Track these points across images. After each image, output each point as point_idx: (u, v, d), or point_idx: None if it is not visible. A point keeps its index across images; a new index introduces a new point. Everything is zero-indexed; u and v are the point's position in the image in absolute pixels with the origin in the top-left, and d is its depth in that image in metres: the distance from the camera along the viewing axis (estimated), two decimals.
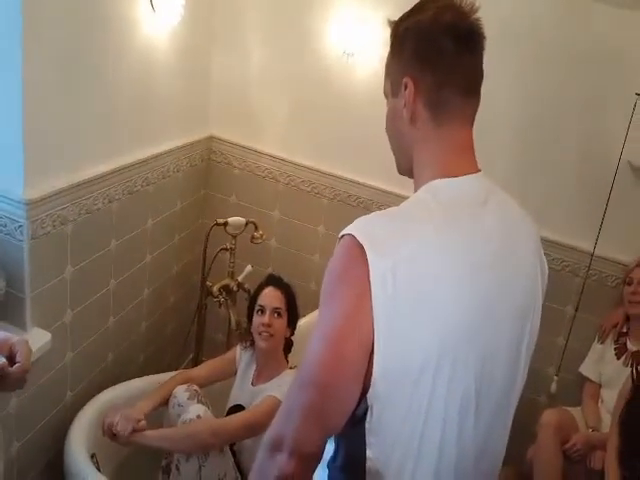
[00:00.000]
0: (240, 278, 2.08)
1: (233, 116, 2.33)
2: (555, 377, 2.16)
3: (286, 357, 1.75)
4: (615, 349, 2.00)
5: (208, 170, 2.39)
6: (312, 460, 0.77)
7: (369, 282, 0.72)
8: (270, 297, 1.69)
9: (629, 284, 1.95)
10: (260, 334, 1.66)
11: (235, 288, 2.07)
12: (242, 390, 1.73)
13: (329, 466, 0.88)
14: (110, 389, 1.77)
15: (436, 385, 0.76)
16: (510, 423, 0.94)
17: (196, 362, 2.21)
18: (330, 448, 0.85)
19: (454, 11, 0.81)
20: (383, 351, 0.73)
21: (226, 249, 2.07)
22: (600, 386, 2.04)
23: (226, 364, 1.81)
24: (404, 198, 0.86)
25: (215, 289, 2.03)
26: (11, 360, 0.95)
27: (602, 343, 2.05)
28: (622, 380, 1.68)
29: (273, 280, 1.76)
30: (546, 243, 2.07)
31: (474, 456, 0.85)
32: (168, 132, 2.03)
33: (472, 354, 0.79)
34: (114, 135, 1.70)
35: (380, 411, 0.76)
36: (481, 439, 0.85)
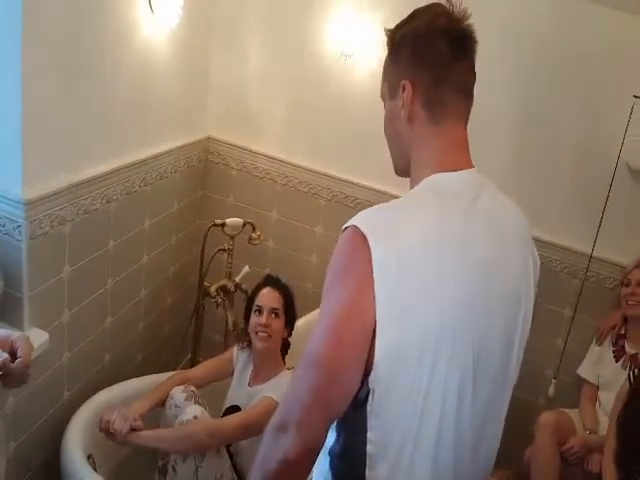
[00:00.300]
0: (237, 279, 2.08)
1: (231, 117, 2.33)
2: (553, 380, 2.16)
3: (283, 358, 1.75)
4: (613, 352, 2.00)
5: (206, 171, 2.39)
6: (315, 445, 0.79)
7: (372, 268, 0.76)
8: (268, 297, 1.69)
9: (627, 285, 1.95)
10: (257, 334, 1.66)
11: (232, 289, 2.07)
12: (239, 391, 1.73)
13: (330, 453, 0.90)
14: (107, 389, 1.77)
15: (435, 366, 0.79)
16: (503, 417, 0.96)
17: (193, 362, 2.21)
18: (332, 436, 0.88)
19: (447, 17, 0.87)
20: (385, 334, 0.76)
21: (224, 250, 2.07)
22: (598, 388, 2.04)
23: (223, 365, 1.81)
24: None
25: (212, 290, 2.03)
26: (12, 356, 0.96)
27: (600, 345, 2.05)
28: (620, 382, 1.68)
29: (271, 281, 1.76)
30: (544, 245, 2.11)
31: (471, 444, 0.88)
32: (166, 133, 2.03)
33: (469, 337, 0.82)
34: (112, 136, 1.70)
35: (382, 394, 0.79)
36: (477, 424, 0.88)
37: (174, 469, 1.54)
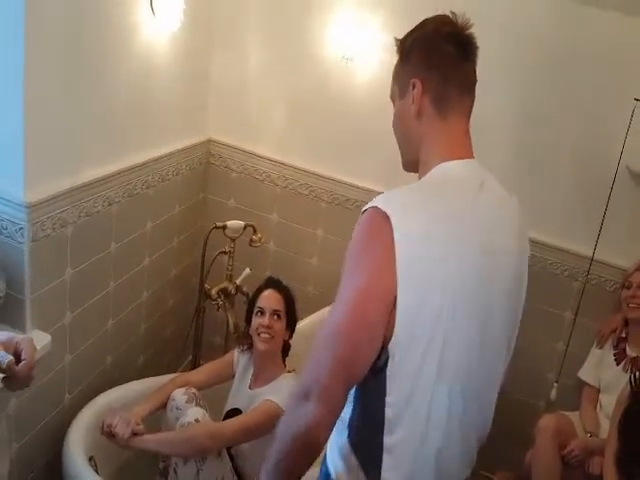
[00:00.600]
0: (238, 281, 2.08)
1: (232, 120, 2.33)
2: (555, 384, 2.15)
3: (284, 361, 1.75)
4: (614, 354, 1.99)
5: (207, 173, 2.39)
6: (336, 410, 0.86)
7: (394, 244, 0.83)
8: (270, 299, 1.70)
9: (628, 288, 1.95)
10: (259, 335, 1.66)
11: (233, 291, 2.08)
12: (240, 394, 1.73)
13: (348, 424, 0.95)
14: (108, 392, 1.77)
15: (449, 331, 0.87)
16: (499, 386, 1.05)
17: (194, 365, 2.21)
18: (348, 408, 0.93)
19: (452, 25, 0.98)
20: (406, 303, 0.84)
21: (225, 252, 2.07)
22: (599, 391, 2.04)
23: (224, 367, 1.81)
24: None
25: (213, 292, 2.04)
26: (17, 359, 0.96)
27: (601, 348, 2.05)
28: (621, 385, 1.68)
29: (273, 283, 1.76)
30: (545, 247, 2.11)
31: (477, 407, 0.97)
32: (167, 135, 2.04)
33: (478, 303, 0.91)
34: (114, 138, 1.71)
35: (400, 358, 0.86)
36: (482, 388, 0.98)
37: (175, 472, 1.54)
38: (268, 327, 1.65)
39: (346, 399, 0.87)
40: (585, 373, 2.08)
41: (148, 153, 1.90)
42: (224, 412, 1.73)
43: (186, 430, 1.53)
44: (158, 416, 1.69)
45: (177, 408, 1.64)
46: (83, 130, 1.55)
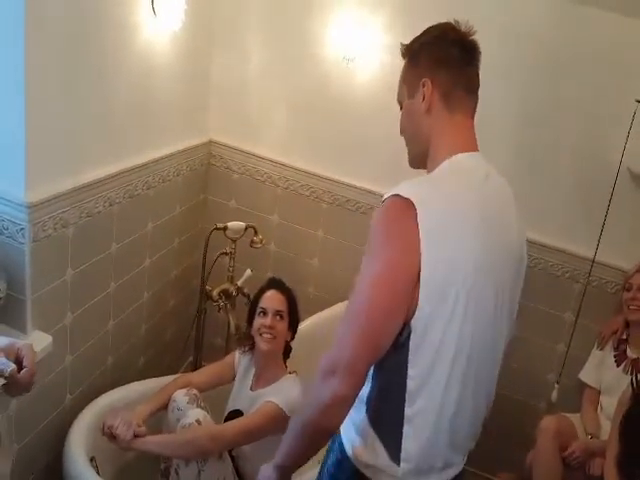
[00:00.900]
0: (239, 282, 2.08)
1: (233, 121, 2.33)
2: (556, 385, 2.15)
3: (285, 362, 1.75)
4: (615, 356, 1.99)
5: (208, 174, 2.39)
6: (359, 384, 0.92)
7: (417, 224, 0.91)
8: (272, 300, 1.70)
9: (628, 290, 1.95)
10: (262, 336, 1.66)
11: (234, 292, 2.08)
12: (241, 395, 1.73)
13: (367, 402, 1.01)
14: (109, 392, 1.77)
15: (468, 304, 0.94)
16: (502, 355, 1.11)
17: (195, 366, 2.21)
18: (366, 387, 0.99)
19: (457, 31, 1.06)
20: (428, 277, 0.91)
21: (226, 253, 2.07)
22: (599, 393, 2.04)
23: (225, 369, 1.81)
24: None
25: (214, 293, 2.04)
26: (18, 365, 0.97)
27: (601, 350, 2.05)
28: (622, 387, 1.68)
29: (275, 283, 1.76)
30: (546, 249, 2.11)
31: (487, 378, 1.05)
32: (168, 136, 2.04)
33: (492, 280, 0.99)
34: (115, 139, 1.71)
35: (423, 331, 0.93)
36: (493, 359, 1.06)
37: (177, 473, 1.54)
38: (270, 327, 1.65)
39: (367, 374, 0.92)
40: (586, 375, 2.08)
41: (149, 154, 1.90)
42: (225, 413, 1.73)
43: (187, 432, 1.52)
44: (159, 417, 1.69)
45: (178, 409, 1.64)
46: (84, 130, 1.55)
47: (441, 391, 0.96)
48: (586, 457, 1.85)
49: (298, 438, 0.99)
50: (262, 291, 1.74)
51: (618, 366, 1.97)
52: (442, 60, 1.04)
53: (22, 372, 0.95)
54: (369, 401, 1.00)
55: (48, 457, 1.65)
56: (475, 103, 1.08)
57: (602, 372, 2.03)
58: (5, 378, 0.94)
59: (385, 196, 0.97)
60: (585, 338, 2.10)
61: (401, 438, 0.97)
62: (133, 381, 1.88)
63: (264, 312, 1.68)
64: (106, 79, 1.60)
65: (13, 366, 0.93)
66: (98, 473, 1.50)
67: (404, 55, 1.11)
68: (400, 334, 0.93)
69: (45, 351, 1.47)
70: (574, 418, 2.00)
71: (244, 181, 2.36)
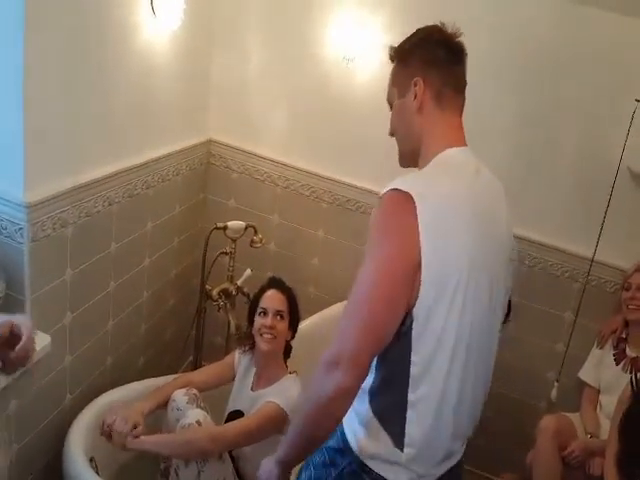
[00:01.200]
0: (239, 282, 2.08)
1: (232, 120, 2.33)
2: (555, 383, 2.16)
3: (285, 362, 1.75)
4: (614, 355, 2.00)
5: (207, 174, 2.39)
6: (362, 376, 0.93)
7: (416, 215, 0.93)
8: (273, 299, 1.69)
9: (627, 289, 1.95)
10: (262, 336, 1.65)
11: (234, 292, 2.07)
12: (241, 395, 1.73)
13: (370, 392, 1.02)
14: (109, 392, 1.77)
15: (467, 291, 0.97)
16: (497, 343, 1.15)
17: (195, 366, 2.21)
18: (369, 378, 1.00)
19: (444, 32, 1.11)
20: (428, 269, 0.94)
21: (225, 253, 2.07)
22: (599, 392, 2.04)
23: (225, 369, 1.80)
24: None
25: (214, 293, 2.04)
26: (16, 339, 0.96)
27: (601, 348, 2.05)
28: (621, 386, 1.68)
29: (275, 283, 1.76)
30: (545, 248, 2.11)
31: (484, 365, 1.08)
32: (168, 135, 2.03)
33: (487, 266, 1.02)
34: (114, 138, 1.71)
35: (425, 319, 0.95)
36: (489, 345, 1.09)
37: (176, 473, 1.53)
38: (271, 327, 1.65)
39: (370, 366, 0.94)
40: (585, 374, 2.08)
41: (148, 153, 1.90)
42: (226, 414, 1.73)
43: (187, 433, 1.52)
44: (158, 417, 1.69)
45: (178, 409, 1.64)
46: (83, 130, 1.55)
47: (443, 377, 0.99)
48: (586, 456, 1.86)
49: (301, 432, 1.00)
50: (262, 291, 1.74)
51: (617, 365, 1.97)
52: (431, 60, 1.08)
53: (21, 342, 0.93)
54: (372, 391, 1.02)
55: (47, 457, 1.65)
56: (463, 101, 1.12)
57: (601, 371, 2.03)
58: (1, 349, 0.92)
59: (383, 191, 0.99)
60: (584, 337, 2.10)
61: (405, 423, 0.99)
62: (133, 381, 1.88)
63: (264, 312, 1.68)
64: (105, 79, 1.60)
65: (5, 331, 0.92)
66: (97, 473, 1.50)
67: (393, 58, 1.14)
68: (403, 324, 0.95)
69: (44, 351, 1.47)
70: (574, 417, 2.00)
71: (244, 181, 2.36)
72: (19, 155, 1.35)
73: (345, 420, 1.04)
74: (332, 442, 1.09)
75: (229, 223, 2.04)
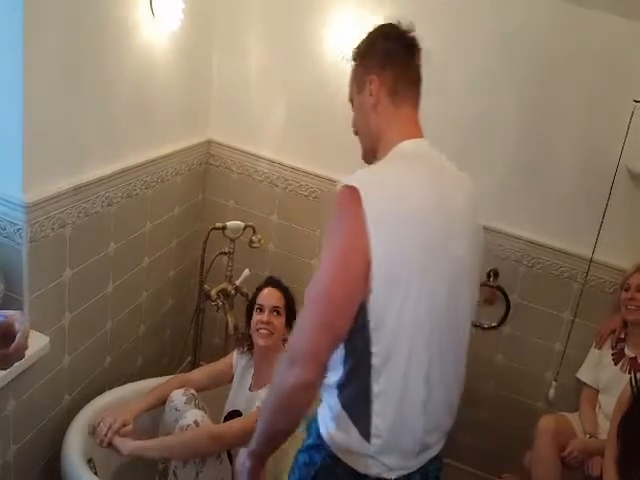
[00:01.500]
0: (238, 282, 2.08)
1: (232, 120, 2.33)
2: (553, 383, 2.16)
3: None
4: (613, 355, 2.00)
5: (206, 174, 2.39)
6: (321, 370, 0.96)
7: (363, 209, 0.95)
8: (269, 296, 1.70)
9: (626, 290, 1.95)
10: (258, 331, 1.65)
11: (233, 292, 2.07)
12: (240, 395, 1.73)
13: (338, 385, 1.04)
14: (107, 393, 1.77)
15: (423, 281, 0.99)
16: (469, 331, 1.14)
17: (194, 366, 2.21)
18: (336, 374, 1.03)
19: (398, 29, 1.15)
20: (378, 258, 0.95)
21: (224, 253, 2.07)
22: (597, 392, 2.04)
23: (223, 369, 1.80)
24: None
25: (213, 293, 2.03)
26: (10, 332, 0.96)
27: (599, 349, 2.05)
28: (620, 385, 1.68)
29: (272, 281, 1.76)
30: (544, 248, 2.11)
31: (453, 354, 1.08)
32: (167, 136, 2.03)
33: (442, 257, 1.02)
34: (113, 138, 1.71)
35: (381, 310, 0.97)
36: (459, 329, 1.09)
37: (175, 474, 1.54)
38: (267, 323, 1.65)
39: (329, 361, 0.96)
40: (584, 374, 2.08)
41: (147, 153, 1.90)
42: (224, 414, 1.73)
43: (185, 434, 1.52)
44: (156, 418, 1.69)
45: (176, 409, 1.64)
46: (82, 130, 1.55)
47: (403, 368, 1.00)
48: (585, 456, 1.86)
49: (267, 424, 1.03)
50: (259, 289, 1.74)
51: (616, 365, 1.97)
52: (385, 57, 1.12)
53: (17, 336, 0.94)
54: (340, 385, 1.04)
55: (46, 457, 1.65)
56: (418, 95, 1.15)
57: (600, 371, 2.03)
58: None
59: (339, 186, 1.02)
60: (583, 337, 2.11)
61: (371, 415, 1.01)
62: (131, 381, 1.88)
63: (261, 309, 1.68)
64: (105, 79, 1.60)
65: (7, 316, 0.93)
66: (96, 474, 1.50)
67: (354, 58, 1.18)
68: (361, 316, 0.97)
69: (43, 351, 1.47)
70: (572, 417, 2.01)
71: (243, 181, 2.36)
72: (18, 155, 1.35)
73: (319, 415, 1.09)
74: (310, 440, 1.11)
75: (228, 223, 2.04)
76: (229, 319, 2.02)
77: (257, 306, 1.70)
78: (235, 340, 1.92)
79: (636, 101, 1.84)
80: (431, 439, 1.09)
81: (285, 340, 1.73)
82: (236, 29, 2.24)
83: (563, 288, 2.13)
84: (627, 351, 1.96)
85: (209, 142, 2.35)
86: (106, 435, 1.53)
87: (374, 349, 0.98)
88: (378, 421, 1.01)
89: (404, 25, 1.15)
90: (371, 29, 1.19)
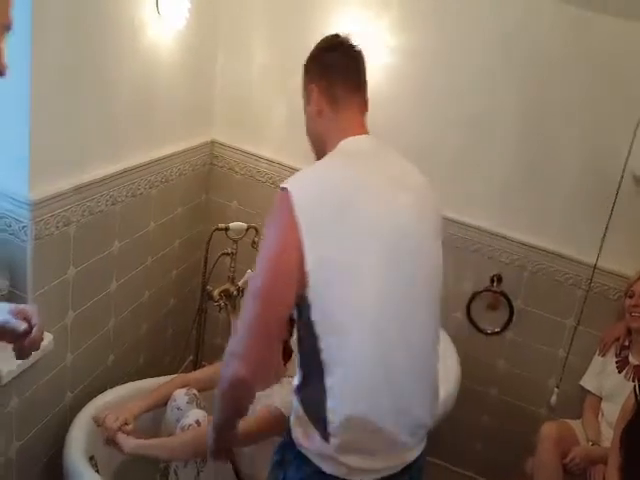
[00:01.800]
0: (240, 283, 2.08)
1: (236, 121, 2.33)
2: (556, 389, 2.15)
3: (285, 364, 1.74)
4: (617, 362, 1.99)
5: (210, 175, 2.39)
6: (259, 366, 1.00)
7: (294, 210, 0.99)
8: None
9: (630, 297, 1.94)
10: None
11: (235, 293, 2.07)
12: None
13: (297, 388, 1.09)
14: (110, 391, 1.77)
15: (356, 275, 1.00)
16: (436, 315, 1.14)
17: (195, 365, 2.21)
18: (298, 376, 1.08)
19: (336, 38, 1.23)
20: (313, 254, 0.98)
21: (227, 254, 2.07)
22: (601, 399, 2.03)
23: None
24: None
25: (215, 293, 2.03)
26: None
27: (603, 356, 2.04)
28: (623, 393, 1.67)
29: None
30: (548, 254, 2.10)
31: (405, 339, 1.05)
32: (171, 136, 2.04)
33: (380, 243, 1.03)
34: (118, 137, 1.71)
35: (320, 302, 0.99)
36: (419, 320, 1.08)
37: (175, 473, 1.54)
38: None
39: (269, 356, 1.01)
40: (587, 381, 2.07)
41: (152, 153, 1.90)
42: None
43: (187, 433, 1.52)
44: (158, 417, 1.69)
45: (178, 409, 1.64)
46: (87, 129, 1.55)
47: (353, 357, 1.00)
48: (587, 464, 1.85)
49: (219, 406, 1.10)
50: None
51: (620, 373, 1.96)
52: (324, 67, 1.19)
53: (34, 331, 0.97)
54: (299, 388, 1.08)
55: (48, 454, 1.65)
56: (361, 100, 1.21)
57: (603, 379, 2.02)
58: (17, 337, 0.96)
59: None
60: (586, 344, 2.10)
61: (326, 413, 1.01)
62: (134, 380, 1.88)
63: None
64: (110, 78, 1.60)
65: (25, 324, 0.97)
66: (98, 472, 1.50)
67: (303, 68, 1.25)
68: (305, 313, 1.00)
69: (46, 349, 1.47)
70: (575, 424, 1.99)
71: (246, 182, 2.36)
72: (24, 153, 1.36)
73: (291, 416, 1.11)
74: (284, 439, 1.14)
75: (231, 224, 2.04)
76: (231, 320, 2.01)
77: None
78: None
79: None
80: (404, 437, 1.05)
81: (286, 343, 1.72)
82: (241, 29, 2.24)
83: (567, 294, 2.12)
84: (631, 359, 1.95)
85: (213, 143, 2.35)
86: (109, 431, 1.53)
87: (321, 344, 0.99)
88: (334, 419, 1.00)
89: (344, 36, 1.22)
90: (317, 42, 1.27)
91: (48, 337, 1.49)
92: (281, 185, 1.03)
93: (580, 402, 2.08)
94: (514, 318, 2.19)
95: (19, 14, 1.26)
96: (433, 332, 1.12)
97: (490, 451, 2.29)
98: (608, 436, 1.84)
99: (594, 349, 2.08)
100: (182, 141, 2.12)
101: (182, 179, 2.16)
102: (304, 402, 1.06)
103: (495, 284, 2.17)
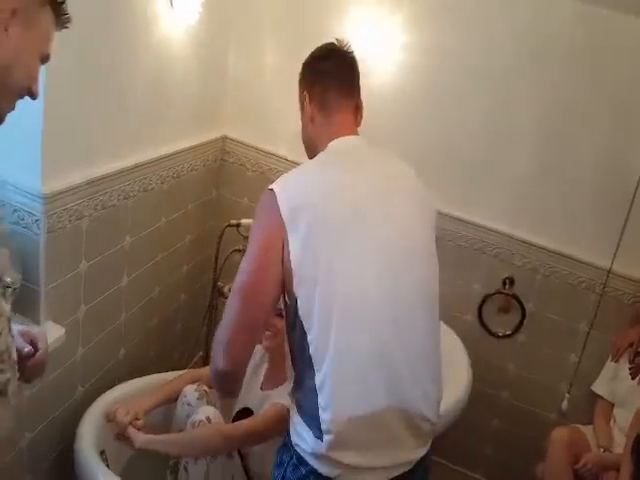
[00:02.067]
0: None
1: (248, 117, 2.32)
2: (567, 395, 2.13)
3: None
4: (630, 368, 1.96)
5: (221, 171, 2.38)
6: (241, 360, 1.06)
7: (279, 208, 1.02)
8: None
9: None
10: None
11: None
12: (251, 392, 1.72)
13: (293, 390, 1.11)
14: (120, 386, 1.77)
15: (340, 269, 1.02)
16: (434, 301, 1.13)
17: (205, 361, 2.21)
18: (291, 380, 1.11)
19: (328, 46, 1.27)
20: (296, 251, 1.01)
21: (238, 250, 2.07)
22: (613, 405, 2.00)
23: None
24: None
25: (226, 290, 2.03)
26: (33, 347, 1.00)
27: (616, 362, 2.01)
28: (636, 400, 1.65)
29: None
30: (563, 257, 2.08)
31: (396, 331, 1.05)
32: (183, 131, 2.03)
33: (364, 235, 1.05)
34: (131, 132, 1.70)
35: (306, 297, 1.01)
36: (415, 312, 1.08)
37: (185, 469, 1.53)
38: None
39: (252, 349, 1.06)
40: (599, 387, 2.05)
41: (163, 148, 1.89)
42: (235, 410, 1.72)
43: (197, 430, 1.52)
44: (169, 412, 1.69)
45: (188, 404, 1.64)
46: (100, 123, 1.55)
47: (339, 351, 1.00)
48: (599, 470, 1.83)
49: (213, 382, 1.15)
50: None
51: (633, 379, 1.93)
52: (315, 75, 1.23)
53: (37, 354, 0.97)
54: (293, 390, 1.10)
55: (59, 448, 1.66)
56: (353, 103, 1.23)
57: (616, 385, 1.99)
58: (22, 360, 0.95)
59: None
60: (599, 350, 2.07)
61: (318, 411, 1.01)
62: (144, 374, 1.88)
63: None
64: (122, 72, 1.60)
65: (30, 347, 0.97)
66: (108, 466, 1.50)
67: (299, 76, 1.28)
68: (293, 310, 1.03)
69: (58, 342, 1.47)
70: (586, 430, 1.97)
71: (258, 179, 2.35)
72: (38, 147, 1.35)
73: (290, 418, 1.12)
74: (283, 440, 1.15)
75: (243, 220, 2.04)
76: None
77: None
78: None
79: None
80: (402, 434, 1.04)
81: None
82: (253, 25, 2.23)
83: (580, 298, 2.10)
84: None
85: (224, 138, 2.35)
86: (120, 425, 1.53)
87: (309, 337, 1.01)
88: (325, 416, 1.00)
89: (339, 43, 1.26)
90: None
91: (60, 331, 1.49)
92: (268, 187, 1.07)
93: (591, 408, 2.06)
94: (526, 321, 2.17)
95: None
96: (432, 329, 1.11)
97: (500, 455, 2.27)
98: (620, 442, 1.82)
99: (607, 354, 2.06)
100: (193, 136, 2.11)
101: (193, 175, 2.15)
102: (298, 402, 1.08)
103: (507, 287, 2.15)
